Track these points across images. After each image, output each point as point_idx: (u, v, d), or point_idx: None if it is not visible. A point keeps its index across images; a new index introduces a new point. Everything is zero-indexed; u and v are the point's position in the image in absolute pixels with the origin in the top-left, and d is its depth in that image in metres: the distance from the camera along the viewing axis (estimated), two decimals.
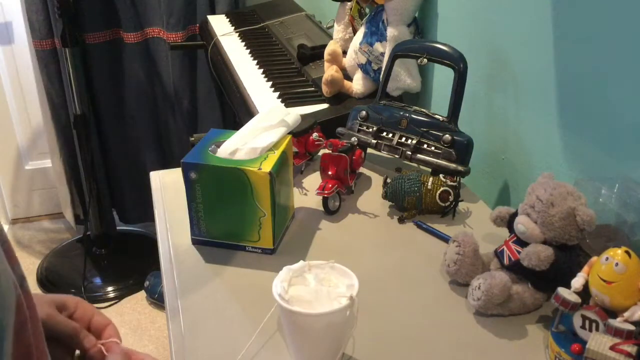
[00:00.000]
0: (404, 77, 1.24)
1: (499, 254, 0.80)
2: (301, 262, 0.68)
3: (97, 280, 2.31)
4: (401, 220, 0.97)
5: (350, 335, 0.69)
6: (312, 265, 0.68)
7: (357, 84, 1.31)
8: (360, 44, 1.29)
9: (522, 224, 0.74)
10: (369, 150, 1.11)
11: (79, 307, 0.66)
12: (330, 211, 0.98)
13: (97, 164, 2.37)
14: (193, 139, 1.32)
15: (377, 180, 1.10)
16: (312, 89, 1.38)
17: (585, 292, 0.65)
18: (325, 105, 1.30)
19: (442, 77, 1.26)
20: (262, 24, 1.88)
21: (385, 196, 0.99)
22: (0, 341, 0.40)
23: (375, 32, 1.26)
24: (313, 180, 1.09)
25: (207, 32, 1.96)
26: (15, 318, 0.45)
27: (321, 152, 1.08)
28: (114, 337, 0.65)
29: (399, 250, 0.90)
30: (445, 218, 0.99)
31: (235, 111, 1.51)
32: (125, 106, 2.38)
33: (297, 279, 0.67)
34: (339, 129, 1.14)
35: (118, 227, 2.57)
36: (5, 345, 0.42)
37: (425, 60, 1.05)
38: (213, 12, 2.24)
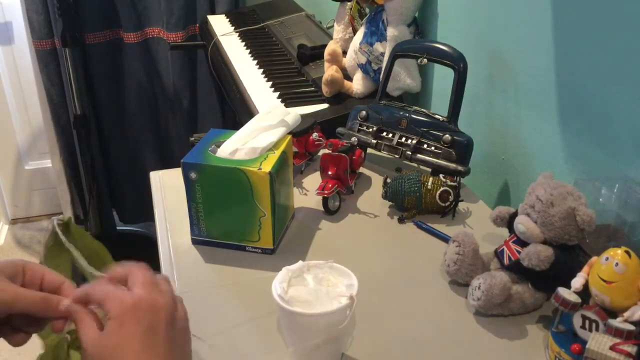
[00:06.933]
0: (404, 77, 1.24)
1: (499, 254, 0.80)
2: (300, 263, 0.67)
3: None
4: (401, 220, 0.97)
5: (350, 335, 0.69)
6: (311, 265, 0.68)
7: (357, 84, 1.31)
8: (360, 44, 1.29)
9: (522, 224, 0.74)
10: (369, 150, 1.11)
11: (27, 270, 0.56)
12: (330, 211, 0.98)
13: (97, 164, 2.37)
14: (193, 139, 1.31)
15: (377, 180, 1.10)
16: (312, 89, 1.38)
17: (585, 292, 0.65)
18: (325, 105, 1.30)
19: (442, 77, 1.26)
20: (262, 24, 1.88)
21: (385, 196, 0.99)
22: None
23: (375, 32, 1.26)
24: (313, 180, 1.09)
25: (207, 32, 1.96)
26: None
27: (321, 152, 1.08)
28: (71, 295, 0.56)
29: (399, 250, 0.90)
30: (445, 218, 0.99)
31: (235, 111, 1.51)
32: (125, 106, 2.38)
33: (296, 279, 0.67)
34: (339, 129, 1.13)
35: (118, 227, 2.57)
36: None
37: (425, 60, 1.05)
38: (213, 12, 2.24)
